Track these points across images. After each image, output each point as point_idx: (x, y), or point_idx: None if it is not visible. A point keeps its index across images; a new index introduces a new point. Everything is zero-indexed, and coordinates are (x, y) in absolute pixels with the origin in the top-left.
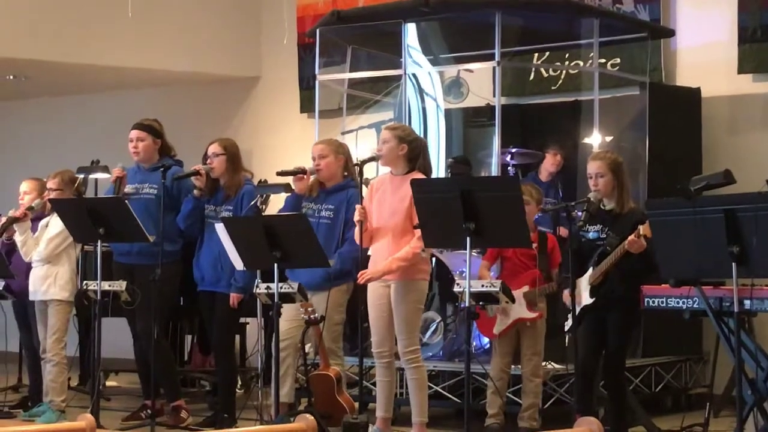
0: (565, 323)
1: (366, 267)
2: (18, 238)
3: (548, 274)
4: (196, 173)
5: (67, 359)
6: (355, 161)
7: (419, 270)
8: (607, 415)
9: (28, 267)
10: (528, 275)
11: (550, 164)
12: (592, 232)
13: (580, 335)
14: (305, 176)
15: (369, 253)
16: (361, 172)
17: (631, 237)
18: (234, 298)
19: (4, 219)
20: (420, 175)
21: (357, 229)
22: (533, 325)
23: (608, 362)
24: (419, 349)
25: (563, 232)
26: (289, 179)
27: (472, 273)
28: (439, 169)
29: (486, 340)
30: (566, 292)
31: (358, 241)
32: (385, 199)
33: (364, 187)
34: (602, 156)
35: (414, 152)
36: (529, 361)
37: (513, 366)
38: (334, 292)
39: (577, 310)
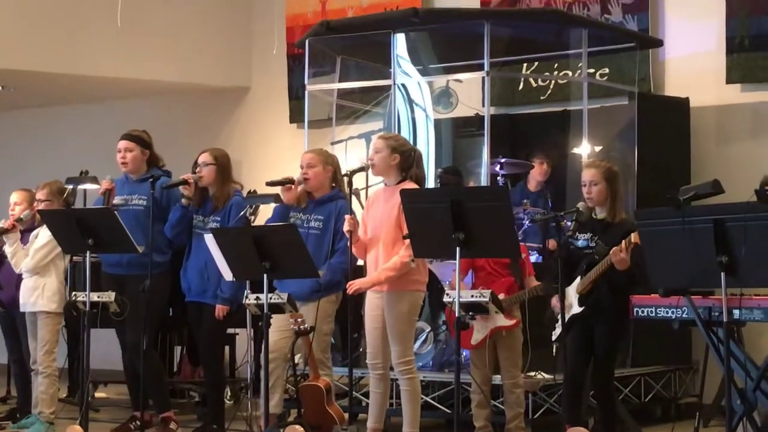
0: (553, 333)
1: (356, 278)
2: (7, 249)
3: (521, 283)
4: (185, 182)
5: (57, 371)
6: (344, 171)
7: (412, 281)
8: (596, 425)
9: (18, 278)
10: (503, 283)
11: (537, 173)
12: (581, 240)
13: (568, 345)
14: (293, 186)
15: (359, 263)
16: (350, 182)
17: (615, 248)
18: (220, 309)
19: None
20: (411, 185)
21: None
22: (509, 335)
23: (596, 372)
24: (413, 360)
25: (552, 245)
26: (279, 190)
27: (448, 284)
28: (429, 179)
29: None
30: (554, 299)
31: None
32: (378, 210)
33: (353, 197)
34: (597, 164)
35: (407, 162)
36: (508, 373)
37: (493, 376)
38: (323, 302)
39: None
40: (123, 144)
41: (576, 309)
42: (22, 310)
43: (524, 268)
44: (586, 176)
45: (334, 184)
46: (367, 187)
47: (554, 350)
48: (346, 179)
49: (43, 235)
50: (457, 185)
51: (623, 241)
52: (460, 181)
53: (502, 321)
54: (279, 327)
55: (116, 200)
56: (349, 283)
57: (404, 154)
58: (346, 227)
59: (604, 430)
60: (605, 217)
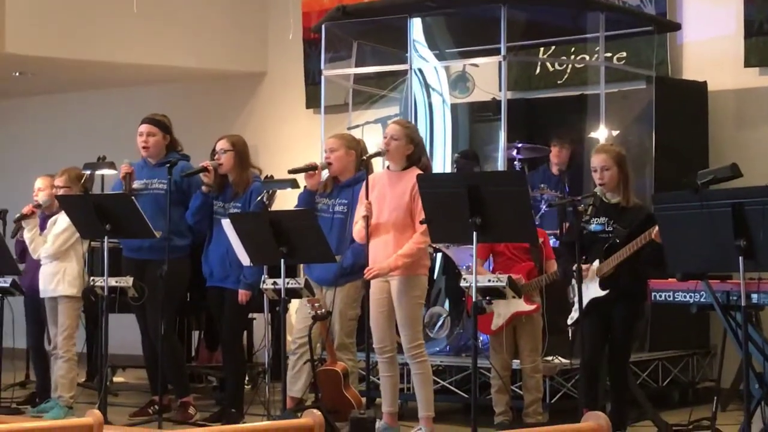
0: (569, 317)
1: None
2: (26, 234)
3: (540, 267)
4: (204, 170)
5: (77, 355)
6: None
7: (421, 265)
8: (612, 409)
9: (39, 264)
10: (523, 267)
11: (555, 157)
12: (595, 225)
13: (585, 329)
14: (316, 172)
15: None
16: (367, 167)
17: (654, 229)
18: (243, 295)
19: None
20: (417, 171)
21: (360, 225)
22: (530, 320)
23: (613, 355)
24: (423, 344)
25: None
26: (302, 176)
27: (465, 268)
28: (445, 164)
29: None
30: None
31: (357, 237)
32: (385, 195)
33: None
34: (607, 149)
35: (417, 154)
36: (528, 357)
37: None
38: (349, 287)
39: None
40: (145, 128)
41: (597, 292)
42: (42, 295)
43: (543, 252)
44: (596, 161)
45: (362, 168)
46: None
47: (570, 334)
48: (363, 163)
49: (62, 220)
50: (473, 170)
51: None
52: (477, 165)
53: (522, 306)
54: (307, 314)
55: (136, 184)
56: (368, 268)
57: (418, 146)
58: (362, 212)
59: (617, 414)
60: (619, 201)
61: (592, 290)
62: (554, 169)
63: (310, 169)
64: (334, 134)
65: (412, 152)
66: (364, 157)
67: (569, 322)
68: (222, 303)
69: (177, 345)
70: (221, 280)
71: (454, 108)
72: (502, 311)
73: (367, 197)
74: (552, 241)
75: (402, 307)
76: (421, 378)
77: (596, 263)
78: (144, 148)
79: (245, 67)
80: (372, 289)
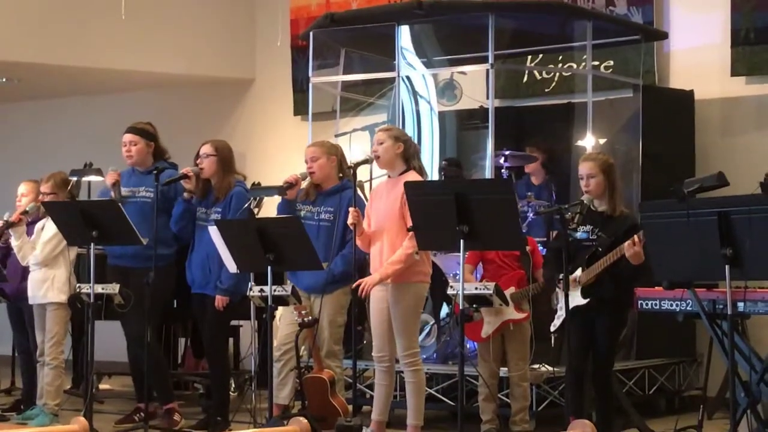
0: (552, 324)
1: (363, 270)
2: (14, 242)
3: (530, 276)
4: (185, 176)
5: (64, 363)
6: (348, 163)
7: (417, 272)
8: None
9: (23, 270)
10: (513, 276)
11: (531, 166)
12: (581, 232)
13: (569, 337)
14: (297, 185)
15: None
16: (354, 175)
17: (628, 243)
18: (219, 300)
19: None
20: (415, 176)
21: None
22: (518, 329)
23: (597, 363)
24: (418, 352)
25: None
26: (281, 183)
27: (453, 276)
28: (432, 171)
29: None
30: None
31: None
32: (381, 202)
33: (357, 189)
34: (594, 157)
35: (409, 150)
36: (516, 365)
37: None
38: (338, 294)
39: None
40: (128, 137)
41: (579, 300)
42: (31, 302)
43: (532, 260)
44: (583, 169)
45: (341, 175)
46: (370, 180)
47: (552, 341)
48: (350, 171)
49: (49, 227)
50: (458, 177)
51: (635, 235)
52: (461, 173)
53: (513, 314)
54: (291, 320)
55: (123, 192)
56: (357, 282)
57: (407, 143)
58: (350, 220)
59: (603, 422)
60: (605, 209)
61: (575, 299)
62: (533, 179)
63: (291, 185)
64: (313, 143)
65: (403, 150)
66: (352, 164)
67: (552, 329)
68: (204, 310)
69: (160, 352)
70: (202, 286)
71: (442, 115)
72: (492, 319)
73: (354, 203)
74: (539, 249)
75: (397, 314)
76: (414, 387)
77: (579, 271)
78: (128, 156)
79: (233, 73)
80: (373, 298)
